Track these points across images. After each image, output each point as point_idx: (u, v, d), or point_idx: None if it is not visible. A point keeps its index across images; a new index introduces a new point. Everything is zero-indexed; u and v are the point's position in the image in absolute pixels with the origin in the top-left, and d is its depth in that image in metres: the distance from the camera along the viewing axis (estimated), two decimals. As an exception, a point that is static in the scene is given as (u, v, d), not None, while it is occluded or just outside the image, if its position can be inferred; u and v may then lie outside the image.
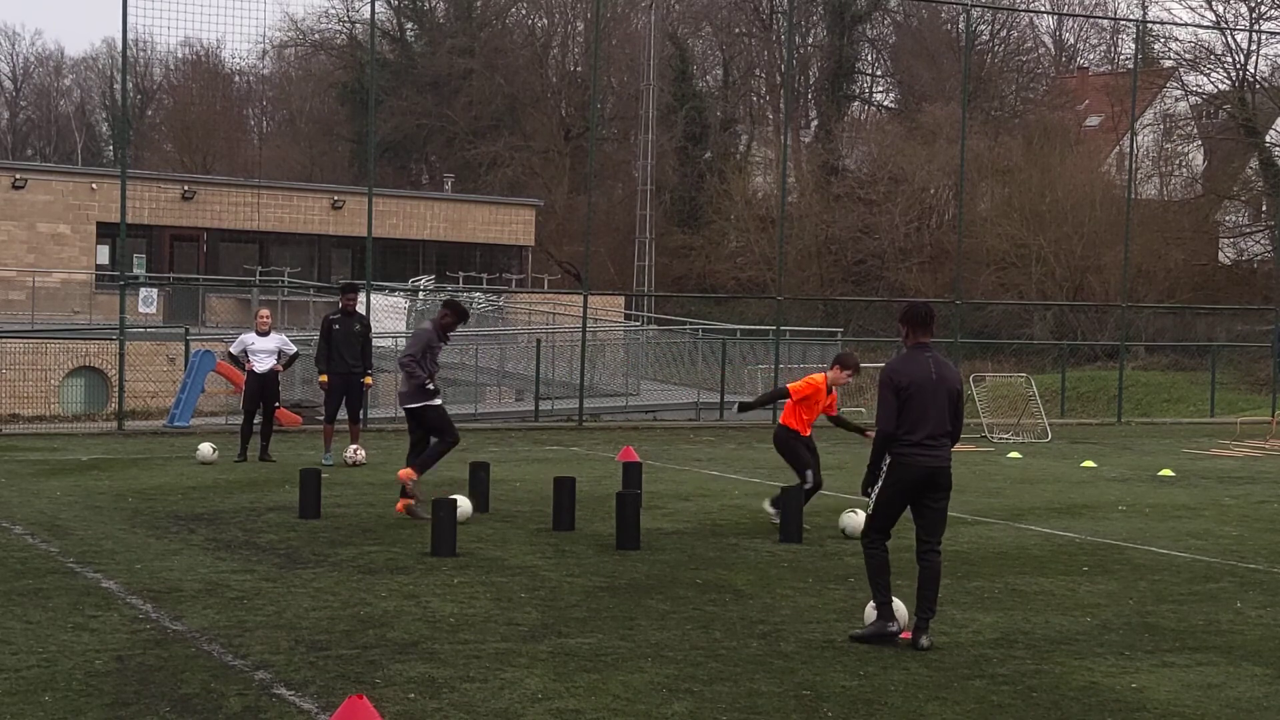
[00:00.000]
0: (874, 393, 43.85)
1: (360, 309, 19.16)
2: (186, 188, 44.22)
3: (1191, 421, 33.31)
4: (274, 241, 46.11)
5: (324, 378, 18.13)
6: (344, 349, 17.91)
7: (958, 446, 9.20)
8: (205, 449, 18.29)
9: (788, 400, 13.49)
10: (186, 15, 40.35)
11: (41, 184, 42.15)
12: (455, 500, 11.92)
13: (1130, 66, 45.86)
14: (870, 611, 8.85)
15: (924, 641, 8.57)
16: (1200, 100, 55.58)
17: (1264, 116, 51.38)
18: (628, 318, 43.53)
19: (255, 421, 18.89)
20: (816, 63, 64.62)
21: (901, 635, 8.75)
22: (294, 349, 19.59)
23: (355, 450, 18.16)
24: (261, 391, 18.75)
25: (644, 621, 9.18)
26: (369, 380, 18.37)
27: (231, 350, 19.27)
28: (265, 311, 19.54)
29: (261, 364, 18.69)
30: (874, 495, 8.82)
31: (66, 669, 7.66)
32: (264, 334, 18.81)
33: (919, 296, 46.18)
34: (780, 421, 13.65)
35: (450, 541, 11.52)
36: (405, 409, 13.94)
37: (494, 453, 20.52)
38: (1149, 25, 48.88)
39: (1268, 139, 51.01)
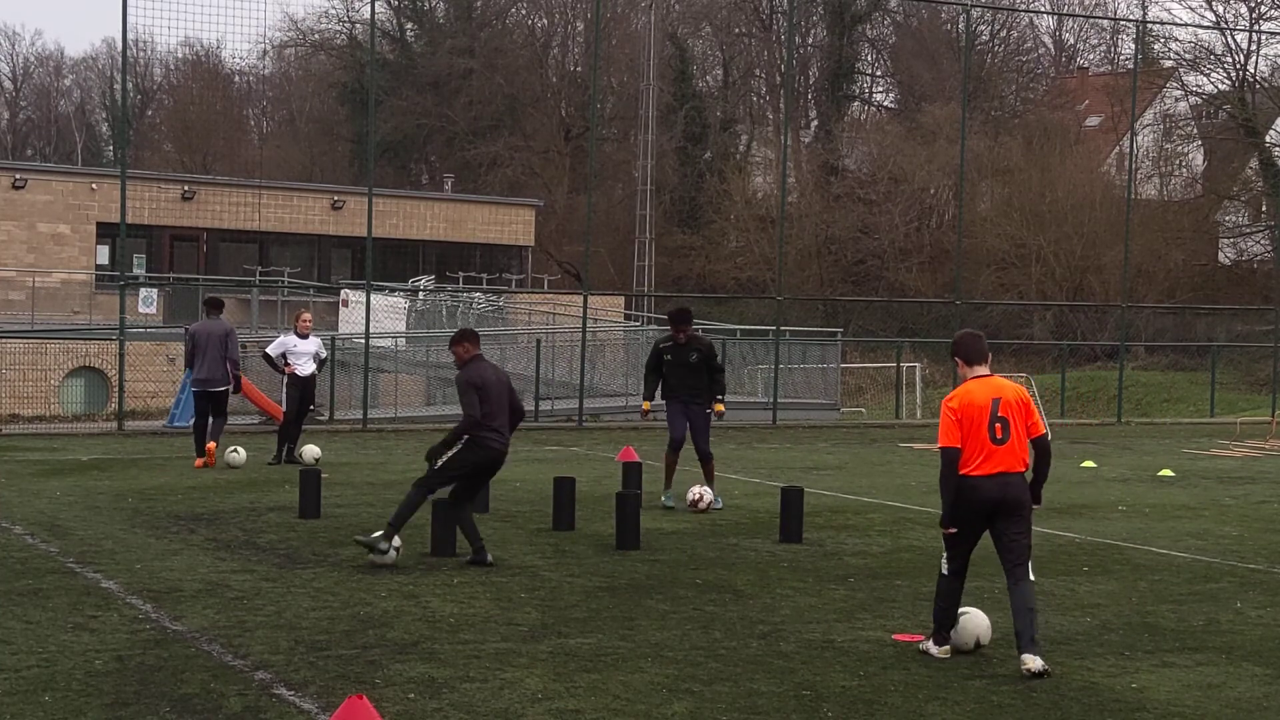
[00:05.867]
0: (873, 392, 43.74)
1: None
2: (186, 188, 44.20)
3: (1191, 421, 33.30)
4: (274, 241, 46.08)
5: (646, 405, 15.47)
6: (676, 379, 14.93)
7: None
8: (239, 455, 17.78)
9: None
10: (186, 15, 40.30)
11: (41, 184, 42.14)
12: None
13: (1130, 66, 45.85)
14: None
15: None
16: (1200, 100, 55.57)
17: (1264, 116, 51.37)
18: (628, 318, 43.51)
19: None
20: (816, 63, 64.61)
21: (894, 637, 8.85)
22: (325, 354, 19.55)
23: (701, 491, 14.76)
24: (302, 395, 18.54)
25: (644, 621, 9.18)
26: (720, 408, 14.98)
27: (269, 352, 18.77)
28: (308, 315, 18.99)
29: (304, 367, 18.44)
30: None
31: (66, 669, 7.66)
32: (304, 336, 18.50)
33: (919, 296, 46.25)
34: None
35: (450, 541, 11.52)
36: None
37: (494, 453, 20.50)
38: (1149, 25, 48.87)
39: (1268, 139, 51.00)
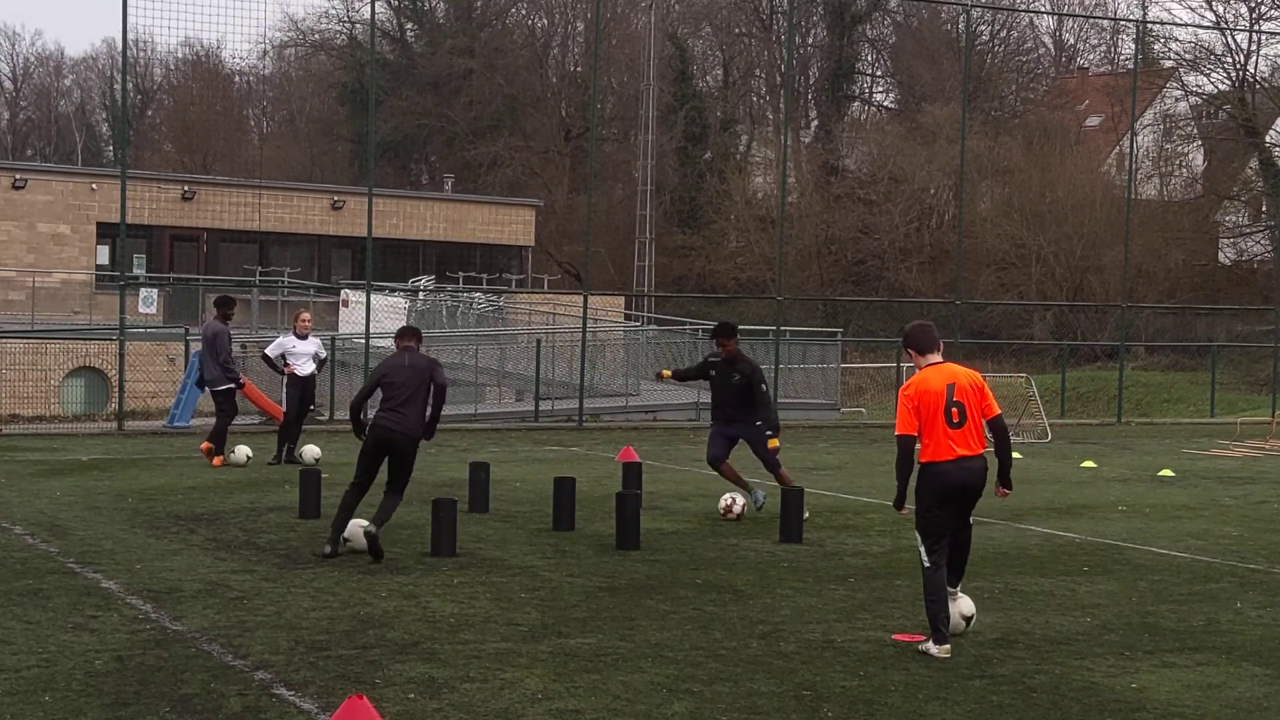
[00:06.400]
0: (873, 392, 43.79)
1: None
2: (186, 188, 44.19)
3: (1191, 421, 33.30)
4: (274, 241, 46.07)
5: (666, 373, 15.31)
6: (719, 398, 14.38)
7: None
8: (244, 449, 18.35)
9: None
10: (186, 15, 40.36)
11: (41, 184, 42.13)
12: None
13: (1130, 66, 45.85)
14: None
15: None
16: (1200, 100, 55.57)
17: (1264, 116, 51.38)
18: (628, 318, 43.51)
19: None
20: (816, 63, 64.61)
21: (894, 637, 8.88)
22: (325, 354, 19.56)
23: (731, 499, 14.20)
24: (302, 395, 18.57)
25: (644, 621, 9.18)
26: (774, 443, 14.11)
27: (269, 353, 18.79)
28: (307, 315, 18.96)
29: (304, 368, 18.45)
30: None
31: (66, 669, 7.66)
32: (303, 337, 18.50)
33: (919, 297, 46.23)
34: None
35: (450, 541, 11.52)
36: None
37: (494, 453, 20.52)
38: (1149, 25, 48.87)
39: (1268, 139, 50.99)
